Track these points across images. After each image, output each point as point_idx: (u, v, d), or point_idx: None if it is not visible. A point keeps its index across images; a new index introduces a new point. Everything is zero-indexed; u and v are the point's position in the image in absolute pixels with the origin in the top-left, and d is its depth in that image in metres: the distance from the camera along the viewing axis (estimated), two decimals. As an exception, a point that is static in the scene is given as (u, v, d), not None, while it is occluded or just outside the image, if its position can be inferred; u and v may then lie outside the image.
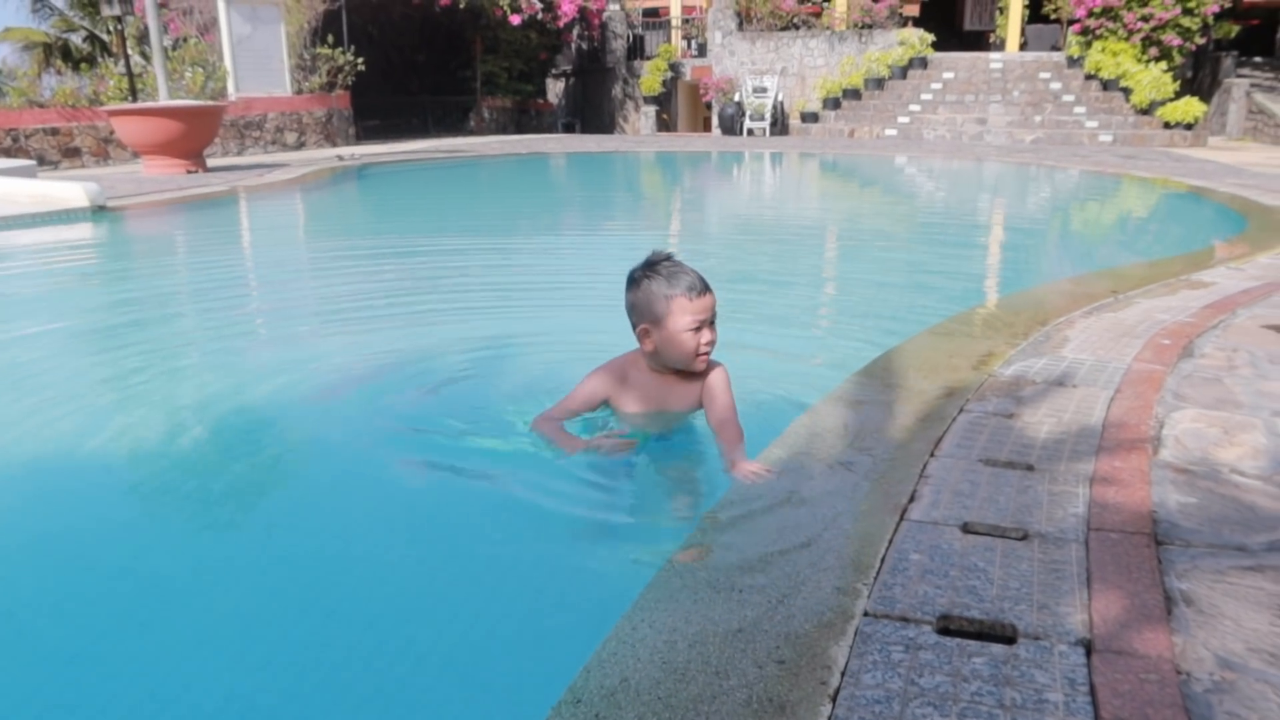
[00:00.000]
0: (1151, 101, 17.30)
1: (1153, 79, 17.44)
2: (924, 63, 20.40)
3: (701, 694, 1.31)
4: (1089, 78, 18.76)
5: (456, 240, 7.40)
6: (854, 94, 20.18)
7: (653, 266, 2.40)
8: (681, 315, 2.34)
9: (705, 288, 2.37)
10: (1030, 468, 2.08)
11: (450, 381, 3.35)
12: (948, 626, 1.48)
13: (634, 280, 2.44)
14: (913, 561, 1.67)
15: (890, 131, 18.94)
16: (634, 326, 2.45)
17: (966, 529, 1.80)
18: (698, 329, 2.35)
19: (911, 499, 1.93)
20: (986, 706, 1.26)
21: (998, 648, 1.40)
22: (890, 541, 1.75)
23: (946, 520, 1.83)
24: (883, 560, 1.68)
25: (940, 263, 6.31)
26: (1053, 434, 2.29)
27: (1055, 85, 19.08)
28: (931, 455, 2.17)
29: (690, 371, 2.46)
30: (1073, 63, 19.36)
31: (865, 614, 1.51)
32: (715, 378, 2.50)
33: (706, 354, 2.42)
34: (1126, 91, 17.87)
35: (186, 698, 1.61)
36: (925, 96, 19.63)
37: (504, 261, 6.38)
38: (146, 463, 2.70)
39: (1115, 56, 18.30)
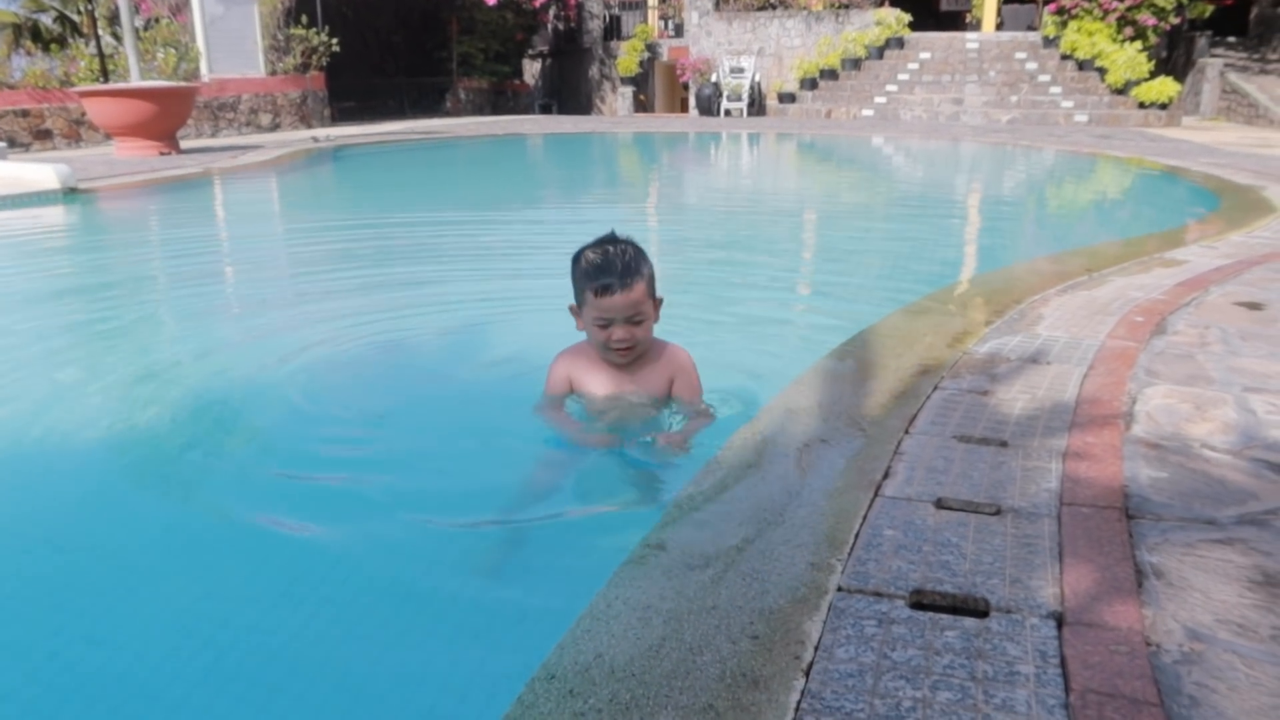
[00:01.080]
0: (1127, 81, 17.39)
1: (1128, 59, 17.52)
2: (901, 43, 20.39)
3: (675, 669, 1.31)
4: (1065, 58, 18.81)
5: (433, 221, 7.35)
6: (831, 74, 20.15)
7: (584, 249, 2.31)
8: (590, 309, 2.26)
9: (619, 287, 2.21)
10: (1004, 444, 2.09)
11: (428, 357, 3.33)
12: (920, 601, 1.48)
13: (574, 257, 2.35)
14: (886, 537, 1.68)
15: (867, 112, 18.94)
16: None
17: (940, 505, 1.80)
18: (605, 326, 2.25)
19: (886, 475, 1.94)
20: (958, 679, 1.27)
21: (970, 621, 1.41)
22: (864, 518, 1.75)
23: (920, 496, 1.84)
24: (857, 536, 1.68)
25: (916, 242, 6.32)
26: (1026, 410, 2.31)
27: (1031, 65, 19.13)
28: (906, 432, 2.18)
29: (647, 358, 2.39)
30: (1049, 43, 19.41)
31: (839, 589, 1.52)
32: (676, 364, 2.41)
33: (620, 349, 2.29)
34: (1102, 71, 17.94)
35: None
36: (902, 77, 19.63)
37: (482, 240, 6.34)
38: (112, 444, 2.67)
39: (1091, 36, 18.36)
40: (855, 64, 20.19)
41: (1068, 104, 17.82)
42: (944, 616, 1.43)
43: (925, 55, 20.00)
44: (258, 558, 2.03)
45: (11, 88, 14.33)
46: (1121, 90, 17.51)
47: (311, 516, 2.20)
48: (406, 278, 4.91)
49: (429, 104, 22.15)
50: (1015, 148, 13.06)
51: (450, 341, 3.73)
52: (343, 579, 1.94)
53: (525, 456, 2.47)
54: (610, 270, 2.21)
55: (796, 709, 1.22)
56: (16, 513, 2.27)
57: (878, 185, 10.60)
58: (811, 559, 1.61)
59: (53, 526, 2.20)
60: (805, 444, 2.12)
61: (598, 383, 2.43)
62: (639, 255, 2.28)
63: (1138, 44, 18.24)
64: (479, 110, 22.55)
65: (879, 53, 20.27)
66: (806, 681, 1.28)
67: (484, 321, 3.94)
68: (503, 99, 23.50)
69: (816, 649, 1.35)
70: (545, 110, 24.71)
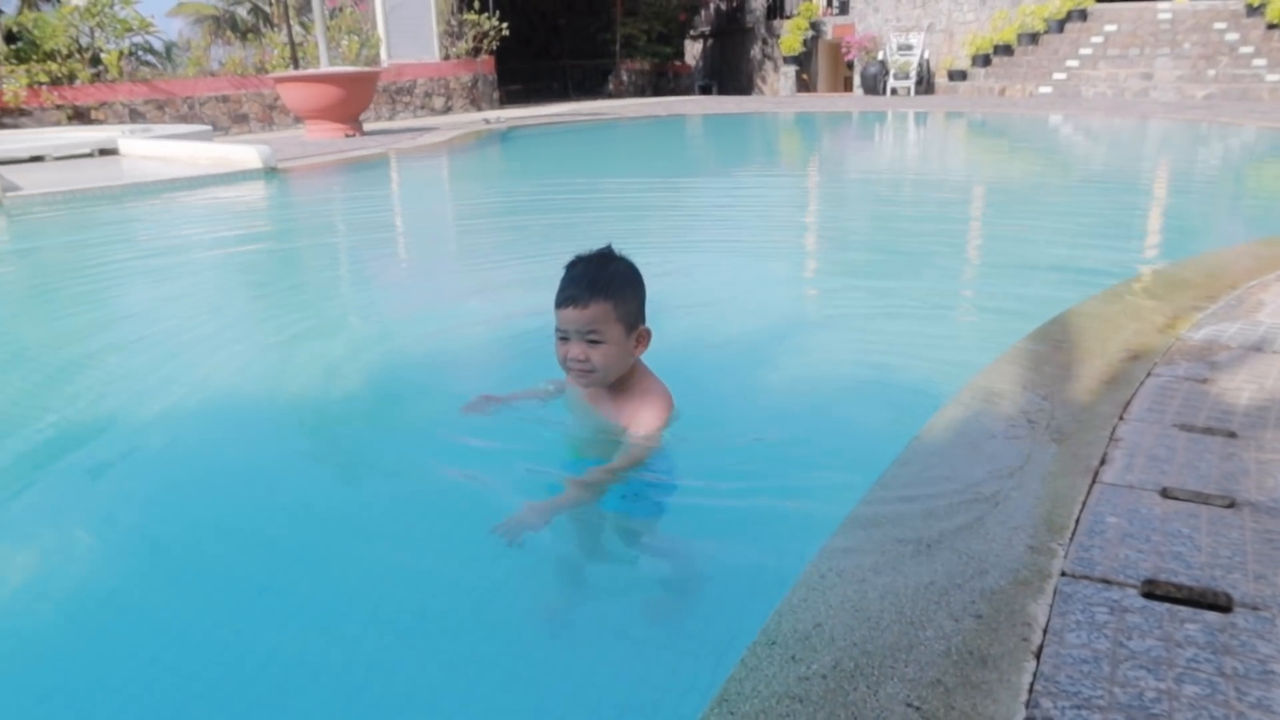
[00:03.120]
0: (1344, 52, 15.88)
1: (1347, 28, 15.98)
2: (1084, 15, 19.25)
3: (898, 643, 1.31)
4: (1271, 27, 17.29)
5: (604, 199, 7.48)
6: (1006, 50, 19.25)
7: (581, 256, 2.16)
8: (556, 320, 2.12)
9: (573, 302, 2.05)
10: (1232, 434, 1.97)
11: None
12: (1153, 591, 1.42)
13: None
14: (1110, 524, 1.62)
15: (1045, 89, 18.01)
16: None
17: (1166, 494, 1.72)
18: (563, 340, 2.10)
19: (1103, 462, 1.86)
20: (1205, 673, 1.21)
21: (1212, 615, 1.35)
22: (1084, 504, 1.69)
23: (1143, 484, 1.76)
24: (1077, 522, 1.63)
25: (1108, 224, 5.99)
26: (1255, 401, 2.16)
27: (1232, 36, 17.70)
28: (1120, 419, 2.08)
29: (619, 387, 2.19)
30: (1252, 11, 17.89)
31: (1063, 574, 1.47)
32: (643, 411, 2.16)
33: (574, 370, 2.12)
34: (1315, 42, 16.44)
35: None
36: (1084, 51, 18.55)
37: (653, 220, 6.41)
38: (302, 402, 2.85)
39: (1303, 4, 16.83)
40: (1033, 38, 19.22)
41: (1273, 78, 16.41)
42: (1182, 609, 1.37)
43: (1111, 28, 18.83)
44: (463, 520, 2.12)
45: (213, 75, 15.44)
46: (1337, 62, 16.01)
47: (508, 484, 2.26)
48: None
49: (591, 86, 22.49)
50: (1212, 125, 12.15)
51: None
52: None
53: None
54: (575, 283, 2.07)
55: (1030, 690, 1.20)
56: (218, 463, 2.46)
57: (1058, 165, 10.09)
58: (1030, 542, 1.57)
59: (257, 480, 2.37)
60: (1011, 426, 2.06)
61: (573, 397, 2.32)
62: (619, 277, 2.11)
63: (1359, 11, 16.61)
64: (640, 92, 22.73)
65: (1059, 26, 19.21)
66: (1038, 664, 1.25)
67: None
68: (664, 80, 23.61)
69: (1045, 632, 1.32)
70: (705, 91, 24.66)
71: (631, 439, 2.13)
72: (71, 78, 13.89)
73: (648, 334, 2.18)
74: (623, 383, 2.19)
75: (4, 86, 13.18)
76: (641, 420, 2.15)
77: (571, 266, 2.12)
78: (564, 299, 2.07)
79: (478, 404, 2.42)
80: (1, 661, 1.64)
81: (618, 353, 2.10)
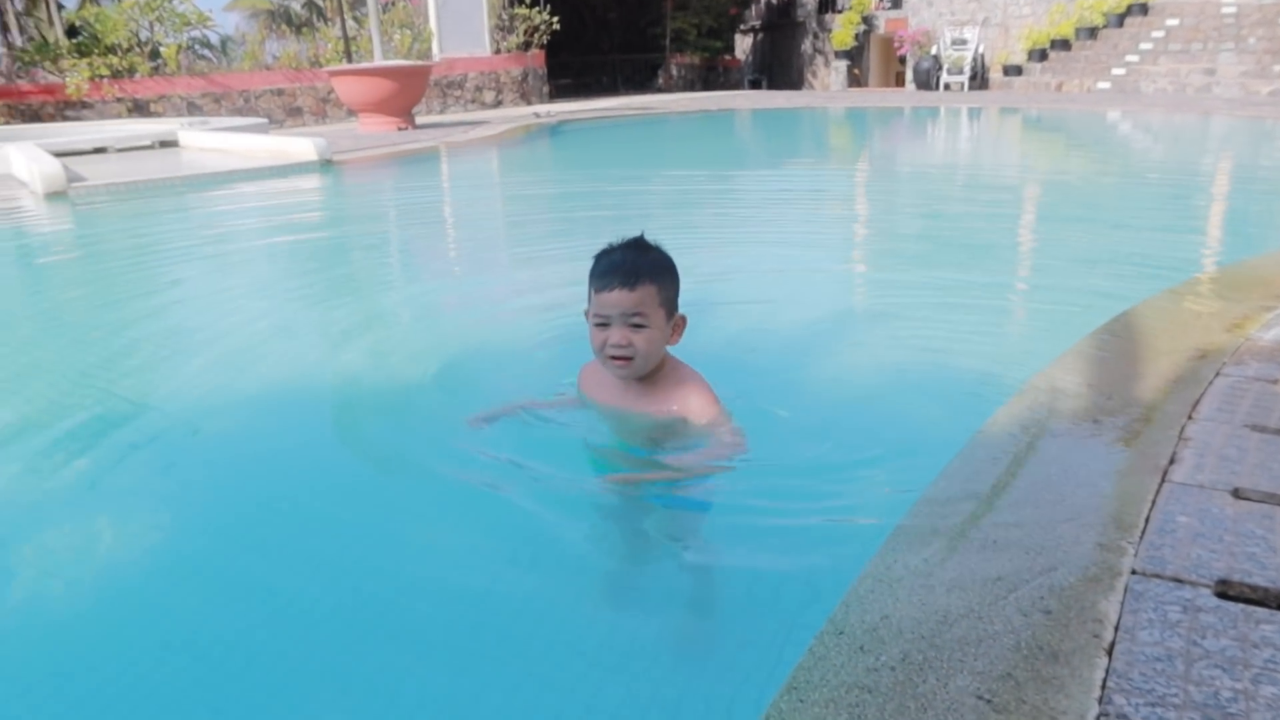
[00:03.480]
0: None
1: None
2: (1144, 9, 18.86)
3: (966, 636, 1.31)
4: (1341, 21, 16.84)
5: (653, 193, 7.49)
6: (1063, 45, 18.93)
7: (618, 243, 2.14)
8: (591, 307, 2.10)
9: (619, 284, 2.03)
10: (1306, 436, 1.93)
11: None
12: (1227, 591, 1.40)
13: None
14: (1180, 524, 1.59)
15: (1103, 84, 17.68)
16: None
17: (1238, 495, 1.69)
18: (603, 326, 2.07)
19: (1172, 461, 1.83)
20: (1283, 674, 1.19)
21: (1289, 616, 1.32)
22: (1153, 503, 1.67)
23: (1214, 484, 1.73)
24: (1147, 520, 1.61)
25: (1171, 221, 5.87)
26: (1329, 402, 2.12)
27: (1300, 31, 17.23)
28: (1189, 418, 2.05)
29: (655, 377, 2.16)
30: (1322, 5, 17.42)
31: (1133, 572, 1.46)
32: (687, 385, 2.16)
33: (614, 357, 2.08)
34: (1388, 36, 15.95)
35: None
36: (1144, 46, 18.17)
37: (703, 214, 6.41)
38: (350, 385, 2.90)
39: (1375, -3, 16.34)
40: (1091, 33, 18.87)
41: (1342, 73, 15.95)
42: (1257, 610, 1.35)
43: (1173, 22, 18.42)
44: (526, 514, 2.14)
45: (268, 69, 15.70)
46: None
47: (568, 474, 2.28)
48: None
49: (641, 80, 22.51)
50: (1278, 122, 11.84)
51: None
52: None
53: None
54: (619, 267, 2.05)
55: (1103, 686, 1.19)
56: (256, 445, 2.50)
57: (1117, 161, 9.90)
58: (1099, 539, 1.55)
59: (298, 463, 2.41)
60: (1076, 424, 2.04)
61: (601, 389, 2.26)
62: (659, 263, 2.11)
63: None
64: (690, 86, 22.71)
65: (1119, 20, 18.84)
66: (1110, 661, 1.24)
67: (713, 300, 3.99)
68: (713, 74, 23.56)
69: (1116, 629, 1.31)
70: (755, 85, 24.58)
71: (718, 429, 2.10)
72: (131, 71, 14.22)
73: (684, 321, 2.17)
74: (655, 374, 2.17)
75: (67, 80, 13.53)
76: (696, 406, 2.13)
77: (608, 253, 2.11)
78: (609, 283, 2.04)
79: (479, 420, 2.37)
80: (28, 646, 1.67)
81: (659, 339, 2.10)
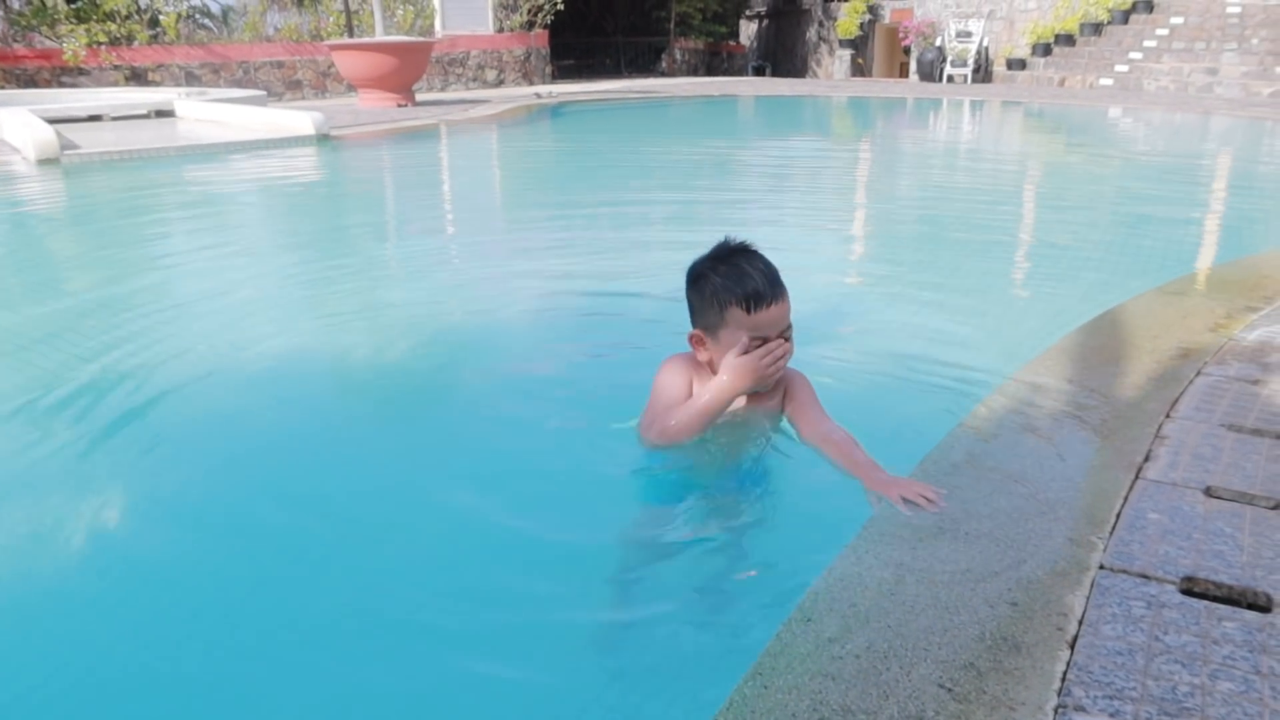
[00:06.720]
0: None
1: None
2: (1149, 6, 18.79)
3: (932, 626, 1.32)
4: (1346, 25, 16.80)
5: (652, 179, 7.47)
6: (1067, 40, 18.86)
7: (717, 259, 1.97)
8: (738, 328, 1.91)
9: (775, 297, 1.90)
10: (1281, 437, 1.95)
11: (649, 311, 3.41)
12: (1192, 588, 1.42)
13: (693, 275, 2.00)
14: (1151, 520, 1.61)
15: (1106, 81, 17.64)
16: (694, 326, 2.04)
17: (1209, 493, 1.71)
18: (763, 341, 1.91)
19: (1147, 458, 1.85)
20: (1241, 671, 1.21)
21: (1251, 615, 1.34)
22: (1125, 499, 1.69)
23: (1187, 482, 1.75)
24: (1118, 516, 1.62)
25: (1164, 221, 5.88)
26: (1307, 404, 2.13)
27: (1304, 33, 17.19)
28: (1167, 416, 2.06)
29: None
30: (1328, 8, 17.38)
31: (1101, 567, 1.47)
32: (796, 383, 2.06)
33: (778, 371, 1.95)
34: (1391, 41, 15.92)
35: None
36: (1148, 43, 18.12)
37: (698, 202, 6.40)
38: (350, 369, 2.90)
39: (1381, 1, 16.30)
40: (1096, 29, 18.81)
41: (1345, 77, 15.93)
42: (1220, 606, 1.37)
43: (1177, 20, 18.36)
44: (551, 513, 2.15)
45: (268, 41, 15.60)
46: None
47: (564, 464, 2.28)
48: (625, 239, 5.04)
49: (644, 64, 22.40)
50: (1278, 124, 11.83)
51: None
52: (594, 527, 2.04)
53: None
54: (767, 282, 1.90)
55: (1063, 679, 1.21)
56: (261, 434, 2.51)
57: (1116, 158, 9.90)
58: (1070, 534, 1.57)
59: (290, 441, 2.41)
60: (1056, 420, 2.05)
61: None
62: (772, 264, 1.99)
63: None
64: (693, 71, 22.62)
65: (1124, 16, 18.78)
66: (1072, 654, 1.26)
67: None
68: (717, 60, 23.46)
69: (1080, 623, 1.32)
70: (759, 72, 24.48)
71: (829, 426, 1.99)
72: (130, 39, 14.11)
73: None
74: None
75: (64, 45, 13.43)
76: (815, 400, 2.05)
77: (726, 270, 1.93)
78: (763, 299, 1.89)
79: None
80: (48, 623, 1.67)
81: None
